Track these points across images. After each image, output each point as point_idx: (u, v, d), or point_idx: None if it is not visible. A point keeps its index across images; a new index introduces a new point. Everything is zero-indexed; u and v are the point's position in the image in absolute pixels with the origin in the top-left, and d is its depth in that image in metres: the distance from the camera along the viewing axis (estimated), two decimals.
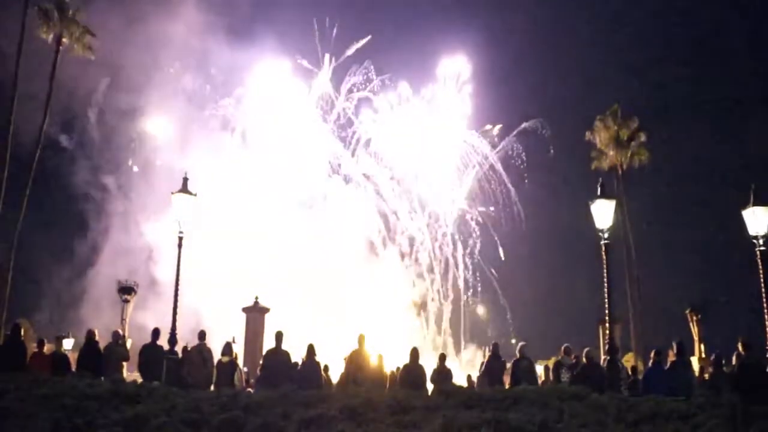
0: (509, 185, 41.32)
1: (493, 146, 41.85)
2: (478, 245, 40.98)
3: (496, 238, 40.95)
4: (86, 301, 34.45)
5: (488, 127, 41.88)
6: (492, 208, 41.47)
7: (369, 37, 41.24)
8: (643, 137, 36.60)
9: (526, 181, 41.77)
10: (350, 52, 41.35)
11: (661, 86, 48.31)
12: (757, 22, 48.89)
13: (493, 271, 40.61)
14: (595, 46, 49.40)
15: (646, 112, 38.51)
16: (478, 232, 41.11)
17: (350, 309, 35.42)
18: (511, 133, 41.87)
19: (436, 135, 41.61)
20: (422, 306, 39.44)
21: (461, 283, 40.68)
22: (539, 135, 41.58)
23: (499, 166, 41.54)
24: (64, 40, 31.89)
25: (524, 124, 41.47)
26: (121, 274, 29.46)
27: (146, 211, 35.55)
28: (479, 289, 40.88)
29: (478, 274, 40.80)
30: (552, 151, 41.46)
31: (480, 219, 41.28)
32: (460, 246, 40.96)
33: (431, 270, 40.41)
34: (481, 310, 42.60)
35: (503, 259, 40.69)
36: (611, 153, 36.47)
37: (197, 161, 30.67)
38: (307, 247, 37.42)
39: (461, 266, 40.80)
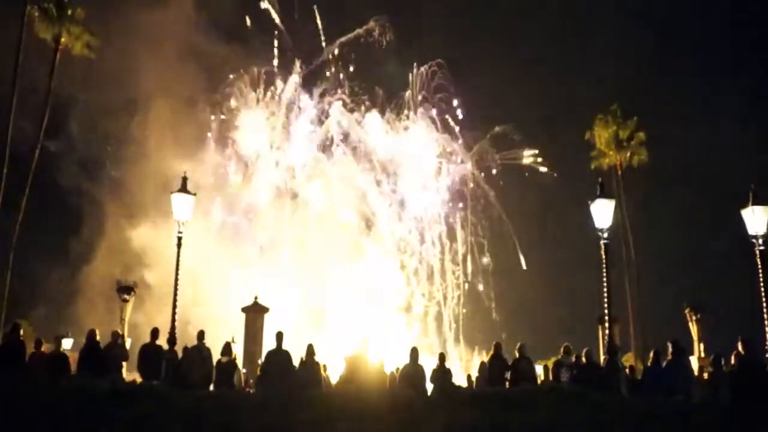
0: (487, 188, 41.54)
1: (492, 162, 41.88)
2: (464, 247, 41.09)
3: (483, 240, 41.02)
4: (81, 300, 34.42)
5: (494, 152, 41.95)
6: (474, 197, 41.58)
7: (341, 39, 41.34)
8: (642, 136, 36.69)
9: (501, 183, 41.75)
10: (324, 56, 41.52)
11: (661, 86, 48.34)
12: (759, 22, 48.77)
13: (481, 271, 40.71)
14: (595, 45, 49.34)
15: (645, 112, 38.49)
16: (463, 236, 41.22)
17: (340, 310, 35.64)
18: (486, 139, 41.94)
19: (414, 139, 41.61)
20: (407, 308, 39.60)
21: (449, 284, 40.73)
22: (510, 140, 41.73)
23: (477, 172, 41.79)
24: (62, 39, 31.83)
25: (496, 128, 41.56)
26: (115, 274, 29.43)
27: (136, 211, 35.68)
28: (467, 287, 40.94)
29: (465, 275, 40.87)
30: (524, 153, 41.61)
31: (463, 220, 41.40)
32: (447, 247, 41.04)
33: (416, 273, 40.53)
34: None
35: (489, 260, 40.77)
36: (610, 152, 36.56)
37: (183, 160, 30.80)
38: (298, 247, 37.68)
39: (448, 266, 40.90)
